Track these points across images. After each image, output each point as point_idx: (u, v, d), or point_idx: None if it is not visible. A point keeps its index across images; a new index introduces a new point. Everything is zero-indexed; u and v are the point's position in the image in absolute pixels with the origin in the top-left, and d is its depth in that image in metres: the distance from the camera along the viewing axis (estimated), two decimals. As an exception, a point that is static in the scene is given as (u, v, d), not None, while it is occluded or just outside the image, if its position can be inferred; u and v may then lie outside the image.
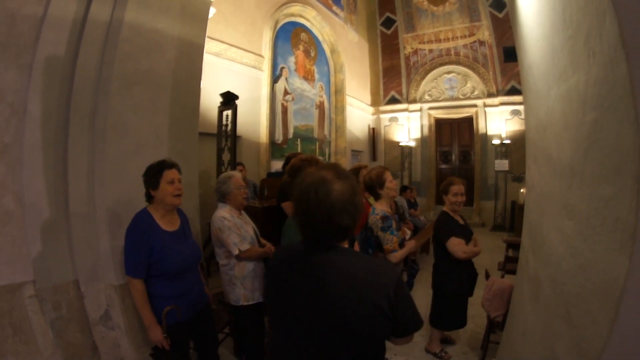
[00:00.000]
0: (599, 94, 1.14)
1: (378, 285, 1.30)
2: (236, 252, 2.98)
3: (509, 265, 5.53)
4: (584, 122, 1.25)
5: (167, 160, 2.60)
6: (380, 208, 3.36)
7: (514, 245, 6.17)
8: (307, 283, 1.36)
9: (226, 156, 6.21)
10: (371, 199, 3.77)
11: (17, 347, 2.75)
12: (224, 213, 3.11)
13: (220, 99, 6.30)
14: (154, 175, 2.52)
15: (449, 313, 3.75)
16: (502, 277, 5.43)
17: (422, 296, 5.57)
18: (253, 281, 3.15)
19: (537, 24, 1.99)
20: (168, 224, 2.61)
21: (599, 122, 1.14)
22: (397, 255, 3.18)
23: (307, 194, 1.33)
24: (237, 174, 3.26)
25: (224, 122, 6.25)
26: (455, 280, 3.67)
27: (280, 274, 1.48)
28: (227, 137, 6.22)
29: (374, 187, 3.41)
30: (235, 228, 3.04)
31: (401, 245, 3.27)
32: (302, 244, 1.47)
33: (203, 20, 4.14)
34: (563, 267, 1.48)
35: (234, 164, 6.09)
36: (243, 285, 3.10)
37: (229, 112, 6.17)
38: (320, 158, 2.63)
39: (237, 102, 6.21)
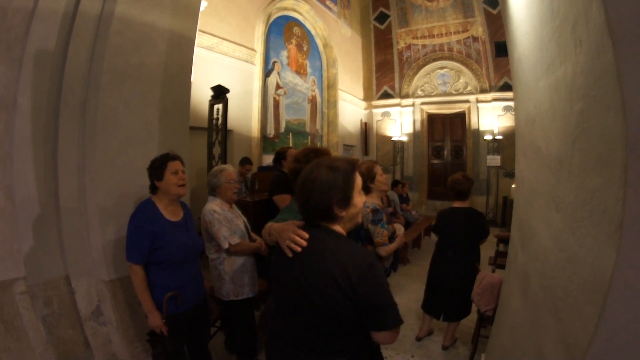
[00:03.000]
0: (585, 83, 1.11)
1: (343, 264, 1.43)
2: (226, 245, 2.96)
3: (500, 260, 5.57)
4: (572, 112, 1.23)
5: (170, 152, 2.64)
6: (371, 201, 3.34)
7: (505, 240, 6.20)
8: (294, 259, 1.54)
9: (217, 150, 6.18)
10: None
11: (9, 344, 2.76)
12: (214, 206, 3.08)
13: (211, 93, 6.25)
14: (158, 167, 2.55)
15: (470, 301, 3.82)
16: (493, 271, 5.47)
17: (414, 290, 5.61)
18: (242, 276, 3.11)
19: (526, 16, 1.97)
20: (171, 214, 2.63)
21: (586, 112, 1.12)
22: (387, 249, 3.18)
23: (302, 178, 1.59)
24: (229, 168, 3.23)
25: (215, 115, 6.21)
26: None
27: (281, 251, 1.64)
28: (217, 131, 6.18)
29: (365, 180, 3.37)
30: (225, 221, 3.02)
31: (391, 239, 3.27)
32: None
33: (194, 13, 4.10)
34: (551, 261, 1.47)
35: (224, 158, 6.05)
36: (232, 280, 3.07)
37: (220, 106, 6.13)
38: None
39: (228, 96, 6.17)
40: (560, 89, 1.36)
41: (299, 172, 2.33)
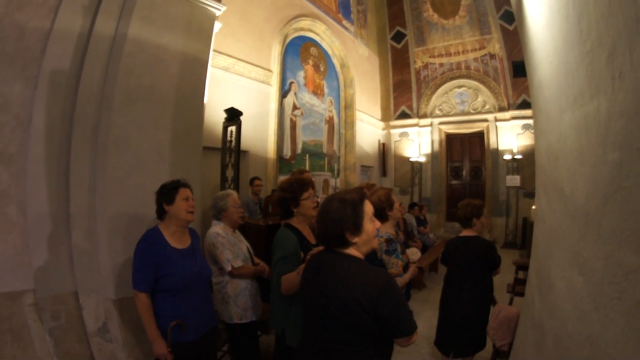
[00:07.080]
0: (626, 129, 0.90)
1: (363, 285, 1.64)
2: (229, 268, 2.98)
3: (518, 287, 5.34)
4: (605, 161, 1.01)
5: (181, 180, 2.69)
6: (384, 230, 3.22)
7: (524, 267, 5.95)
8: (317, 278, 1.80)
9: (230, 172, 6.10)
10: None
11: (15, 353, 2.88)
12: (219, 230, 3.10)
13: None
14: (170, 191, 2.60)
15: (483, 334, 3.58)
16: (511, 300, 5.25)
17: (429, 318, 5.42)
18: (246, 300, 3.11)
19: (548, 37, 1.78)
20: (177, 241, 2.64)
21: (624, 166, 0.90)
22: (402, 280, 3.07)
23: (319, 212, 1.86)
24: (234, 193, 3.28)
25: (228, 138, 6.14)
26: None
27: (308, 270, 1.92)
28: (231, 153, 6.10)
29: (384, 208, 3.25)
30: (229, 245, 3.04)
31: (405, 268, 3.17)
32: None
33: (208, 35, 4.21)
34: (569, 329, 1.27)
35: (237, 181, 5.98)
36: (236, 304, 3.06)
37: (233, 128, 6.06)
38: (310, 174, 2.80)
39: (244, 116, 6.16)
40: (591, 129, 1.14)
41: (284, 200, 2.73)
